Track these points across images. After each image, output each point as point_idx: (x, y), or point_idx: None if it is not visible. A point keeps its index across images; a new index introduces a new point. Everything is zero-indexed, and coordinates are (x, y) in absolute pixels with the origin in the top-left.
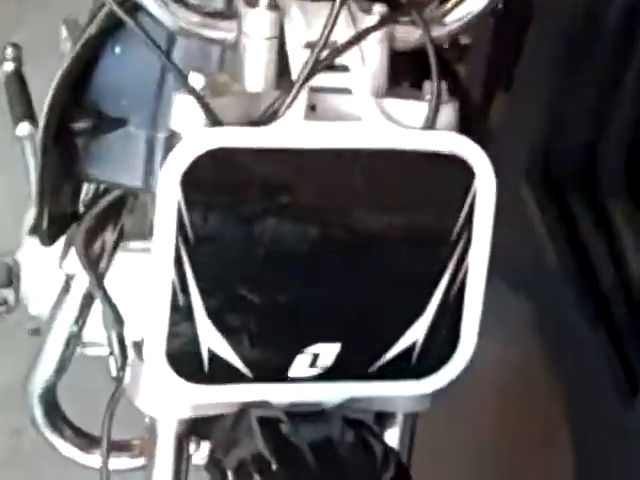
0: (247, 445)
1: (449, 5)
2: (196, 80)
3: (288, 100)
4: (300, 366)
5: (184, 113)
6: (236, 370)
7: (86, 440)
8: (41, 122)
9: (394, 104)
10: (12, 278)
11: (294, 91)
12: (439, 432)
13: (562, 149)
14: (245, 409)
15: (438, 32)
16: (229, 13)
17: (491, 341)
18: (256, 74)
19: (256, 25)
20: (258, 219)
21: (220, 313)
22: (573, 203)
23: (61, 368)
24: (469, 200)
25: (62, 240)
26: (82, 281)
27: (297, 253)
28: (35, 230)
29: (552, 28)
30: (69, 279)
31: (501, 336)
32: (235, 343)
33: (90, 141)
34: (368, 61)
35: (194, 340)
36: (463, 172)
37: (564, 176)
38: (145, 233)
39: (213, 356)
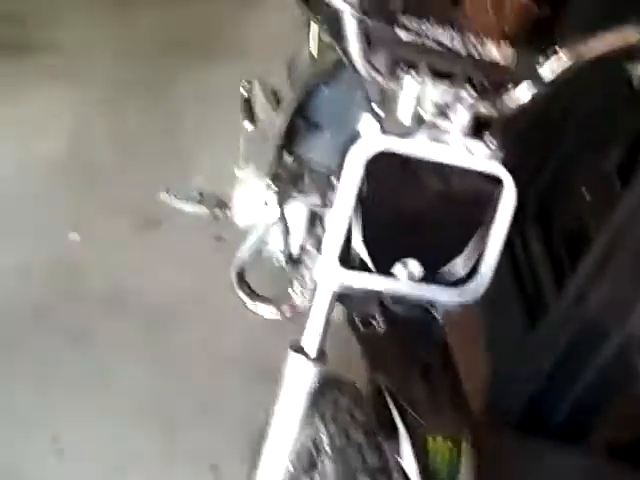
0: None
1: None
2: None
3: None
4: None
5: (367, 124)
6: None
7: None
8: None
9: (471, 142)
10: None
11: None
12: None
13: None
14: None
15: (505, 108)
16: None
17: None
18: (406, 115)
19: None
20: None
21: None
22: None
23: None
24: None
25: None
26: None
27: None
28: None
29: None
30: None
31: None
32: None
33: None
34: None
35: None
36: (499, 183)
37: None
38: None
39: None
